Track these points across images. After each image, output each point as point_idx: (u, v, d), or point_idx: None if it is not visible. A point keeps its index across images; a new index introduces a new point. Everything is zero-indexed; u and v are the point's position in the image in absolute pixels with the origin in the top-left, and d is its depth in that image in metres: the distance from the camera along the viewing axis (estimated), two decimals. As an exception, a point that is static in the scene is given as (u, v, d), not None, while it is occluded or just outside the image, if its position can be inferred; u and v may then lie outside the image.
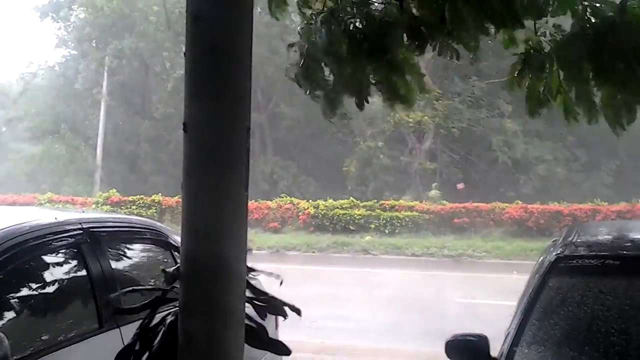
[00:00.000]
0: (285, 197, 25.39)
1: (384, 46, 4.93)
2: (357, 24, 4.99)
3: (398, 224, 22.36)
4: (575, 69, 4.60)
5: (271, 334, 5.87)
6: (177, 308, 3.08)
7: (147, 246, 5.36)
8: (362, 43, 4.95)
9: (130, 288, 4.01)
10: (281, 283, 3.88)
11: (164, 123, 32.75)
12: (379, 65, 5.10)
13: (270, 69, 31.39)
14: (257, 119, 31.34)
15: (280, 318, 3.79)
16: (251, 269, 3.45)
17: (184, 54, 2.99)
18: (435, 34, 4.82)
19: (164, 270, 3.39)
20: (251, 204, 22.81)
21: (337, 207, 23.38)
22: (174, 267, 3.30)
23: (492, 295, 12.78)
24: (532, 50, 4.97)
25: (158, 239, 5.29)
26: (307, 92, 5.54)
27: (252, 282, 3.61)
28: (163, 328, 3.25)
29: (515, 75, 5.11)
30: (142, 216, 17.86)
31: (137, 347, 3.29)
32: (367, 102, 5.51)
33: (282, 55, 33.05)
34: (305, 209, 23.64)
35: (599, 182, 29.39)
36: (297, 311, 3.71)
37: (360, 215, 22.88)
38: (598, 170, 29.82)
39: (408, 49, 5.08)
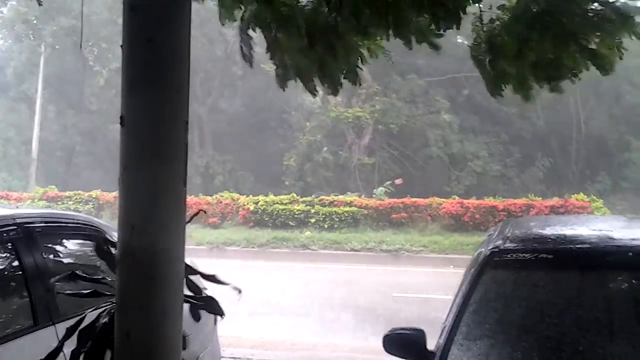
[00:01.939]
0: (226, 192, 25.25)
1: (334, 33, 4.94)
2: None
3: (337, 219, 22.42)
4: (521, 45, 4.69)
5: (210, 330, 5.88)
6: (113, 305, 3.04)
7: (84, 242, 5.26)
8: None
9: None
10: (240, 292, 3.86)
11: (101, 116, 32.20)
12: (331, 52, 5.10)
13: (210, 62, 31.15)
14: (196, 112, 31.10)
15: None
16: (213, 278, 3.47)
17: (121, 45, 2.95)
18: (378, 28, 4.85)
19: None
20: (190, 199, 22.69)
21: (277, 203, 23.35)
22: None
23: (429, 289, 12.93)
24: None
25: (95, 235, 5.20)
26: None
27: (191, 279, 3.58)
28: (99, 325, 3.20)
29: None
30: (79, 212, 17.57)
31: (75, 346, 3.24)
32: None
33: (221, 48, 32.98)
34: (245, 205, 23.54)
35: (532, 177, 30.04)
36: (238, 290, 3.72)
37: (299, 210, 22.88)
38: (531, 165, 30.46)
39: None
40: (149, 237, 2.86)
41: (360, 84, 5.86)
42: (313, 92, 5.69)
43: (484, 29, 5.03)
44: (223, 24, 5.33)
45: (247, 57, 5.22)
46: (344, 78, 5.49)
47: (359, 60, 5.47)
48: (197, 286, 3.68)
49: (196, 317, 3.54)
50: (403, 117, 29.30)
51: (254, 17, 4.95)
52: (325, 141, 29.92)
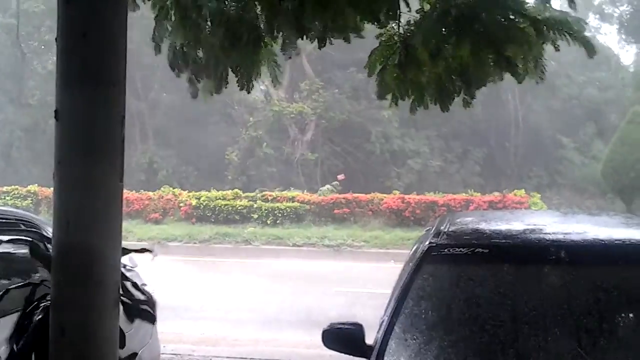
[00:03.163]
0: (167, 187, 25.01)
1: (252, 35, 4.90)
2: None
3: (280, 215, 22.41)
4: (436, 50, 4.74)
5: (149, 327, 5.80)
6: (47, 303, 2.99)
7: (20, 238, 5.15)
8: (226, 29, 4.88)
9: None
10: (154, 256, 3.82)
11: (40, 111, 31.49)
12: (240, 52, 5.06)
13: (150, 55, 30.73)
14: (137, 107, 30.68)
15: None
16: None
17: (56, 39, 2.90)
18: (312, 27, 4.83)
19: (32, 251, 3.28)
20: (132, 194, 22.45)
21: (219, 198, 23.22)
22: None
23: (370, 283, 13.01)
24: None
25: (31, 231, 5.10)
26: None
27: (131, 277, 3.54)
28: (35, 321, 3.15)
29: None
30: (16, 207, 17.22)
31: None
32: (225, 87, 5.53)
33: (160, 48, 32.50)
34: (187, 200, 23.36)
35: (470, 172, 30.44)
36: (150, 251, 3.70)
37: (242, 206, 22.80)
38: (470, 160, 30.87)
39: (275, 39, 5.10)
40: (84, 233, 2.83)
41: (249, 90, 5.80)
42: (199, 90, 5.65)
43: (400, 31, 5.08)
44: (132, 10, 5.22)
45: (158, 47, 5.17)
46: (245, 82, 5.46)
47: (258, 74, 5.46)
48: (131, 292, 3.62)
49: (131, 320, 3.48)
50: (345, 112, 29.43)
51: (175, 4, 4.88)
52: (268, 136, 29.85)
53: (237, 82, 5.51)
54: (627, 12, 35.43)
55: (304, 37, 5.04)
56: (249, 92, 5.85)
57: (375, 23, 4.88)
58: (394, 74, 5.25)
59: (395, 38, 5.15)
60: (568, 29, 4.78)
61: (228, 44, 4.85)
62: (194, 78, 5.44)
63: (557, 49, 5.08)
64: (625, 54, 35.70)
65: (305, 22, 4.71)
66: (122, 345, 3.35)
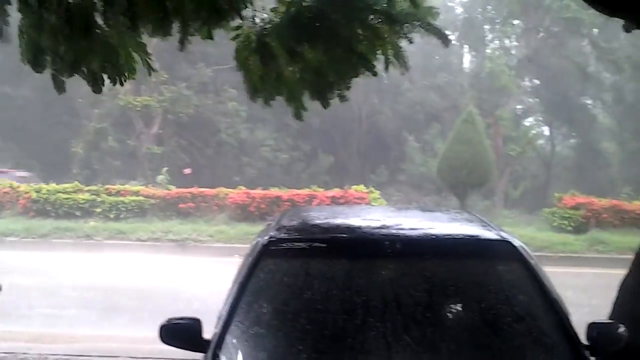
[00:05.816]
0: (5, 180, 23.86)
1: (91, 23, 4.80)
2: None
3: (123, 209, 21.95)
4: (292, 49, 4.85)
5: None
6: None
7: None
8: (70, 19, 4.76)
9: None
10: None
11: None
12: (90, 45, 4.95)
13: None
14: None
15: None
16: None
17: None
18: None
19: None
20: (-36, 188, 21.31)
21: (60, 192, 22.44)
22: None
23: (213, 278, 12.99)
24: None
25: None
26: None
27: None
28: None
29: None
30: None
31: None
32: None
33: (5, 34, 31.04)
34: (25, 193, 22.41)
35: (317, 169, 31.01)
36: None
37: (84, 199, 22.14)
38: (316, 157, 31.44)
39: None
40: None
41: (122, 83, 5.70)
42: (60, 87, 5.51)
43: (255, 30, 5.15)
44: None
45: (1, 32, 5.00)
46: (105, 73, 5.35)
47: (124, 58, 5.35)
48: None
49: None
50: (192, 106, 29.25)
51: None
52: (113, 129, 29.19)
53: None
54: (462, 19, 37.04)
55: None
56: (98, 92, 5.64)
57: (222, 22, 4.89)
58: (259, 73, 5.32)
59: (253, 36, 5.20)
60: (419, 20, 5.02)
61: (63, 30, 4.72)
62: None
63: (410, 41, 5.32)
64: (463, 58, 37.50)
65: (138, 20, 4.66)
66: None
